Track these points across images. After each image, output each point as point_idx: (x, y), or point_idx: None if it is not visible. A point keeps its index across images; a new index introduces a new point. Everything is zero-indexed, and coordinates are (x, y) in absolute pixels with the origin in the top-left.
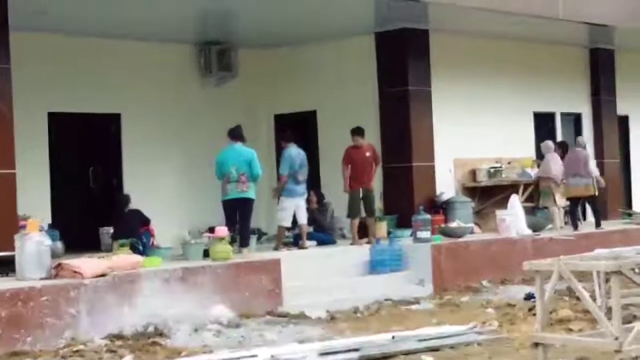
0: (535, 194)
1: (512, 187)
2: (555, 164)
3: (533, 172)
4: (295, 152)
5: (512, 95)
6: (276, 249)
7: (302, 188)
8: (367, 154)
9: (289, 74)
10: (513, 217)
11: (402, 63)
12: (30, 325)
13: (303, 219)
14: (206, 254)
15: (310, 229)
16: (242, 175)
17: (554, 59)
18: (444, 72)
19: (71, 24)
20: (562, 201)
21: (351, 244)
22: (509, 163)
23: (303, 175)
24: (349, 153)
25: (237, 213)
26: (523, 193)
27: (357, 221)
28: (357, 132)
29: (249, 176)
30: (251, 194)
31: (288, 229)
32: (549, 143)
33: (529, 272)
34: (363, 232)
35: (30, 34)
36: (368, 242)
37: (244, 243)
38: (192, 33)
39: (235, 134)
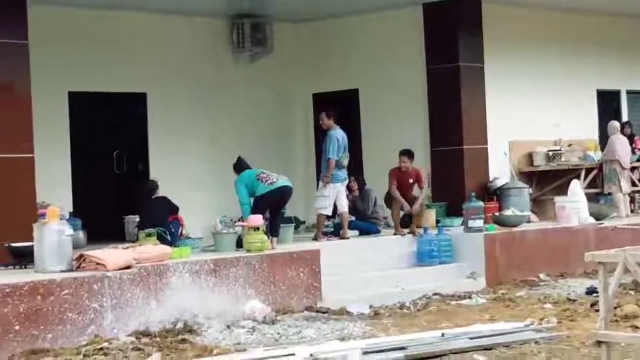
0: (599, 179)
1: (573, 172)
2: (621, 146)
3: (596, 155)
4: (340, 134)
5: (573, 71)
6: (315, 238)
7: (344, 173)
8: (411, 180)
9: (328, 50)
10: (574, 204)
11: (452, 37)
12: (50, 321)
13: (344, 206)
14: (239, 244)
15: (352, 218)
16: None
17: (620, 32)
18: (498, 47)
19: None
20: (628, 187)
21: (395, 234)
22: (569, 145)
23: (346, 159)
24: (392, 176)
25: (275, 205)
26: (585, 178)
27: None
28: (407, 154)
29: None
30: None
31: (328, 217)
32: (615, 123)
33: (591, 264)
34: (408, 220)
35: (49, 8)
36: (410, 232)
37: (275, 233)
38: (223, 5)
39: (245, 164)
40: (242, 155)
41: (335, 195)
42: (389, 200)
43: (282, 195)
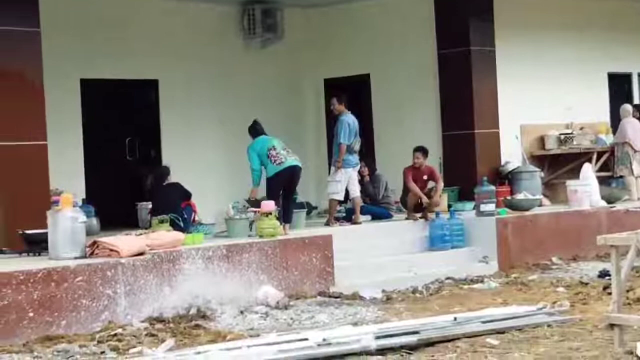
0: (611, 162)
1: (585, 155)
2: (632, 129)
3: (607, 138)
4: (351, 120)
5: (584, 54)
6: (327, 224)
7: (355, 158)
8: (425, 177)
9: (339, 35)
10: (586, 187)
11: (463, 21)
12: (64, 307)
13: (356, 191)
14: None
15: (363, 203)
16: (286, 147)
17: (630, 15)
18: (509, 31)
19: None
20: (639, 169)
21: (406, 219)
22: (581, 129)
23: (358, 144)
24: (407, 174)
25: (286, 187)
26: (597, 161)
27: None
28: (420, 150)
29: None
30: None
31: (340, 202)
32: (628, 107)
33: (604, 248)
34: (420, 205)
35: None
36: (422, 217)
37: (288, 219)
38: None
39: (260, 129)
40: (257, 119)
41: (347, 180)
42: (405, 199)
43: (291, 175)
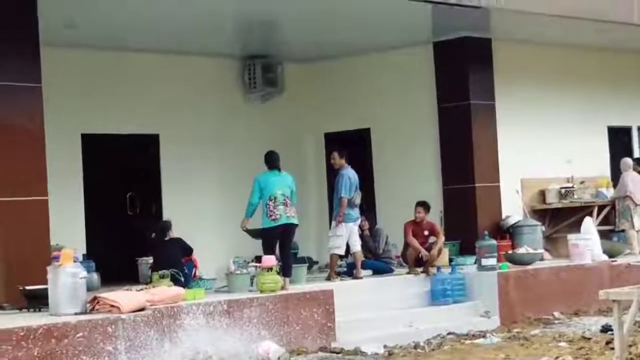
0: (612, 216)
1: (586, 209)
2: (632, 182)
3: (608, 192)
4: (352, 174)
5: (584, 108)
6: (329, 279)
7: (356, 213)
8: (426, 232)
9: (339, 89)
10: (587, 241)
11: (463, 75)
12: None
13: (357, 246)
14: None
15: (363, 257)
16: (287, 198)
17: (630, 69)
18: (509, 85)
19: (106, 39)
20: None
21: (407, 273)
22: (581, 183)
23: (359, 198)
24: (407, 229)
25: (280, 241)
26: (598, 215)
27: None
28: (422, 205)
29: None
30: (297, 220)
31: (341, 257)
32: (628, 160)
33: (606, 302)
34: (421, 259)
35: (62, 50)
36: (424, 272)
37: (288, 273)
38: (235, 47)
39: (275, 159)
40: (274, 150)
41: (348, 234)
42: (406, 254)
43: (283, 232)
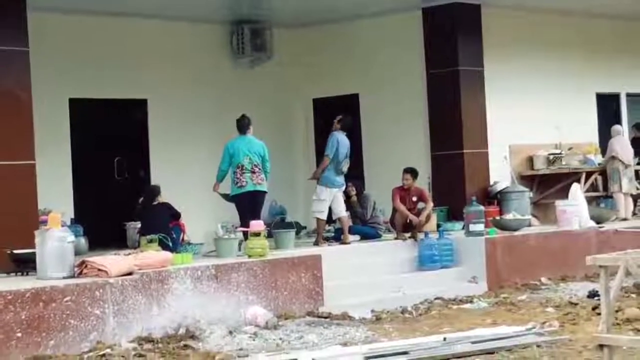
0: (599, 182)
1: (573, 176)
2: (620, 145)
3: (596, 158)
4: (343, 139)
5: (573, 75)
6: (316, 244)
7: (342, 179)
8: (414, 198)
9: (328, 55)
10: (575, 207)
11: (452, 41)
12: (52, 327)
13: (341, 211)
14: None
15: (351, 223)
16: (256, 166)
17: (617, 35)
18: (498, 51)
19: (94, 3)
20: (630, 187)
21: (395, 239)
22: (569, 149)
23: (347, 166)
24: (395, 194)
25: (249, 207)
26: (585, 182)
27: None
28: (410, 172)
29: (262, 169)
30: (265, 187)
31: (328, 222)
32: (618, 127)
33: (593, 268)
34: (410, 226)
35: (49, 15)
36: (411, 237)
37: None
38: (223, 11)
39: (242, 125)
40: (246, 114)
41: (331, 199)
42: (394, 220)
43: (250, 199)
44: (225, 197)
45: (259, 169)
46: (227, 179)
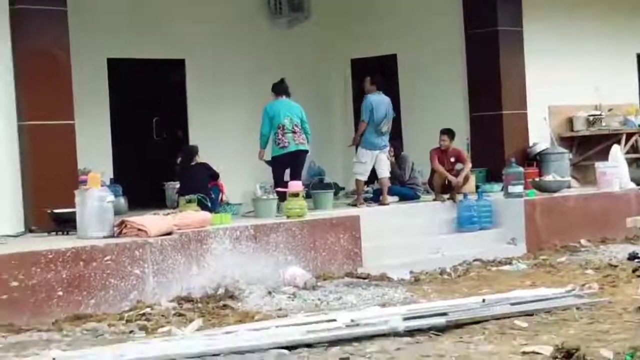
0: None
1: (614, 137)
2: None
3: (637, 120)
4: (377, 100)
5: (613, 35)
6: (354, 204)
7: (383, 140)
8: (452, 159)
9: (366, 15)
10: (615, 169)
11: (491, 1)
12: (92, 286)
13: (384, 172)
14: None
15: (389, 184)
16: (296, 126)
17: None
18: (537, 11)
19: None
20: None
21: (434, 200)
22: (609, 110)
23: (387, 126)
24: (433, 155)
25: (291, 168)
26: (626, 143)
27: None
28: (447, 133)
29: (302, 130)
30: (307, 146)
31: (367, 183)
32: None
33: (633, 230)
34: (448, 187)
35: None
36: (450, 199)
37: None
38: None
39: (282, 89)
40: (285, 79)
41: (373, 161)
42: (432, 181)
43: (292, 159)
44: (270, 163)
45: (300, 129)
46: (269, 144)
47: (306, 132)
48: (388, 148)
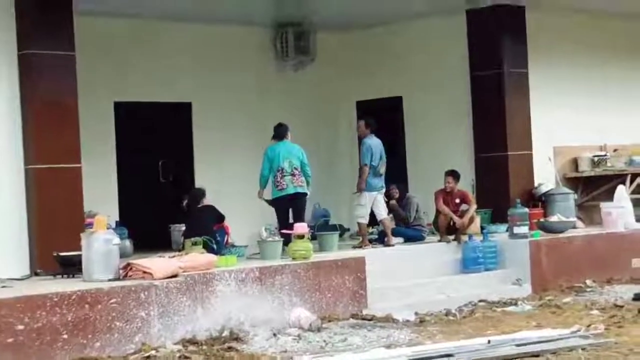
0: None
1: (619, 177)
2: None
3: None
4: (375, 143)
5: (618, 77)
6: (360, 246)
7: (380, 181)
8: (457, 200)
9: (371, 58)
10: (620, 209)
11: (496, 43)
12: (98, 329)
13: (382, 214)
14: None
15: (394, 225)
16: (296, 169)
17: None
18: (542, 53)
19: (138, 6)
20: None
21: (439, 241)
22: (615, 151)
23: (383, 167)
24: (438, 196)
25: (292, 210)
26: (631, 184)
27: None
28: (451, 174)
29: (301, 172)
30: (306, 189)
31: (371, 224)
32: None
33: (639, 270)
34: (453, 228)
35: (95, 19)
36: (455, 240)
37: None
38: (267, 15)
39: (282, 132)
40: (283, 123)
41: (372, 203)
42: (437, 222)
43: (291, 202)
44: (269, 202)
45: (299, 172)
46: (269, 185)
47: (306, 175)
48: (384, 190)
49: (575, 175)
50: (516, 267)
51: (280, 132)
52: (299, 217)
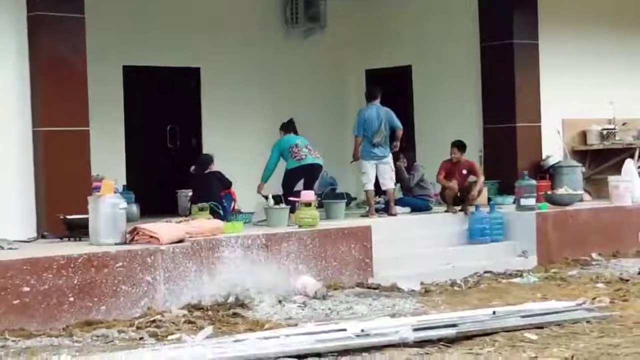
0: None
1: (627, 151)
2: None
3: None
4: (369, 113)
5: (628, 49)
6: (366, 215)
7: (380, 151)
8: (464, 171)
9: (381, 26)
10: (628, 183)
11: (507, 13)
12: (104, 293)
13: (387, 183)
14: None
15: (400, 194)
16: (308, 146)
17: None
18: (553, 24)
19: None
20: None
21: (446, 211)
22: (623, 124)
23: (379, 137)
24: (445, 167)
25: (305, 180)
26: (639, 158)
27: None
28: (457, 145)
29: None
30: (322, 161)
31: (378, 194)
32: None
33: None
34: (460, 199)
35: None
36: (462, 210)
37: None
38: None
39: (290, 128)
40: (293, 119)
41: (374, 171)
42: (444, 194)
43: (308, 172)
44: (267, 198)
45: (312, 148)
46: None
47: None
48: (388, 159)
49: (583, 148)
50: (522, 239)
51: (288, 128)
52: (311, 187)
